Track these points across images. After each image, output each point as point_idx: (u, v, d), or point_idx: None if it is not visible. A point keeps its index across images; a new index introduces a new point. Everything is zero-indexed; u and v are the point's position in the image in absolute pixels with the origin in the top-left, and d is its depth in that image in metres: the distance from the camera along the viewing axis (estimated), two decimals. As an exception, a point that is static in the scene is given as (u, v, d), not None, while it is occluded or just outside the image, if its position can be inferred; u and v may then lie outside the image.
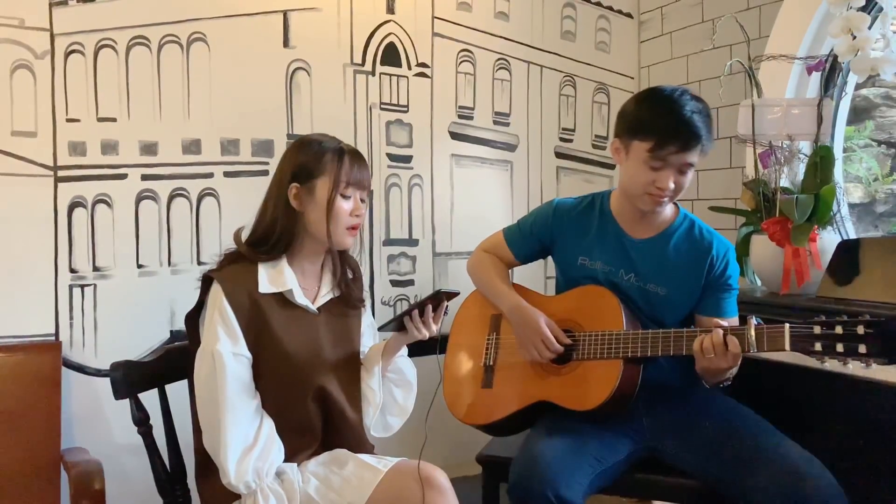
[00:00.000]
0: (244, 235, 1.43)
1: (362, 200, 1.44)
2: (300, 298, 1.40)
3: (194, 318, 1.41)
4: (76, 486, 1.62)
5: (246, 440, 1.29)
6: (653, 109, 1.51)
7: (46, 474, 1.83)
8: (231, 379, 1.29)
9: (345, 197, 1.40)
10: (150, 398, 1.47)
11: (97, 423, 2.01)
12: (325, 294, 1.47)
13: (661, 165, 1.49)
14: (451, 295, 1.42)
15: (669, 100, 1.49)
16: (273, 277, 1.38)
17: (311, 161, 1.40)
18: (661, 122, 1.47)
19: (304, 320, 1.42)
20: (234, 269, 1.38)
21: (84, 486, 1.61)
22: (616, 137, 1.59)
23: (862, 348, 1.24)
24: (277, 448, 1.34)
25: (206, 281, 1.39)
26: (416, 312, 1.42)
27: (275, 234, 1.40)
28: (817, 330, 1.29)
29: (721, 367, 1.41)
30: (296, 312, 1.41)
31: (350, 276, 1.52)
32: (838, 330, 1.28)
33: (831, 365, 1.32)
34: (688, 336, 1.45)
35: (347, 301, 1.50)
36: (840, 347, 1.27)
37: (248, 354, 1.34)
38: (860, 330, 1.25)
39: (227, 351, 1.30)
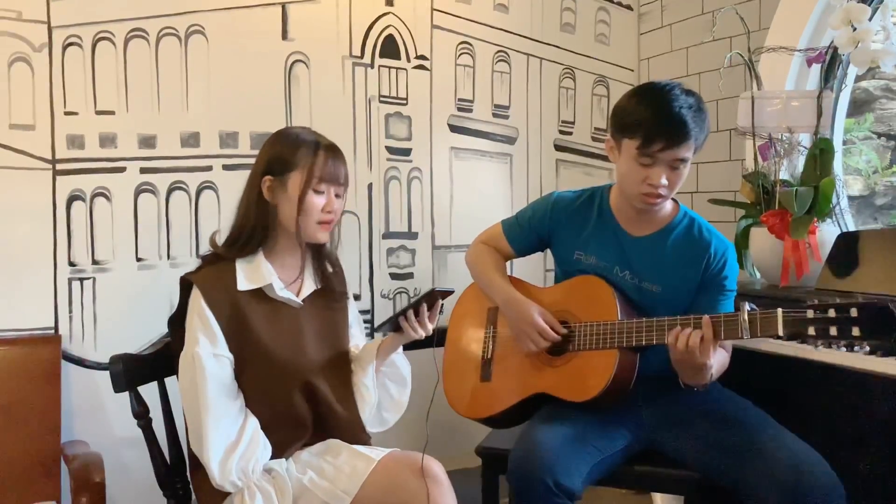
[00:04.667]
0: (222, 238, 1.43)
1: (337, 196, 1.43)
2: (281, 292, 1.40)
3: (177, 321, 1.40)
4: (76, 478, 1.62)
5: (228, 440, 1.29)
6: (640, 106, 1.49)
7: (46, 467, 1.83)
8: (211, 381, 1.30)
9: (317, 192, 1.39)
10: (149, 391, 1.47)
11: (97, 416, 2.01)
12: (309, 286, 1.46)
13: (650, 162, 1.48)
14: (446, 294, 1.43)
15: (658, 95, 1.48)
16: (250, 274, 1.38)
17: (285, 154, 1.39)
18: (648, 118, 1.46)
19: (287, 315, 1.41)
20: (212, 271, 1.38)
21: (84, 478, 1.61)
22: (609, 136, 1.58)
23: (855, 331, 1.23)
24: (263, 446, 1.33)
25: (185, 284, 1.38)
26: (411, 312, 1.42)
27: (248, 228, 1.39)
28: (810, 314, 1.28)
29: (696, 363, 1.40)
30: (278, 307, 1.40)
31: (330, 269, 1.51)
32: (831, 313, 1.26)
33: (829, 356, 1.31)
34: (682, 323, 1.44)
35: (330, 294, 1.49)
36: (833, 331, 1.26)
37: (229, 355, 1.34)
38: (853, 312, 1.24)
39: (206, 353, 1.30)
